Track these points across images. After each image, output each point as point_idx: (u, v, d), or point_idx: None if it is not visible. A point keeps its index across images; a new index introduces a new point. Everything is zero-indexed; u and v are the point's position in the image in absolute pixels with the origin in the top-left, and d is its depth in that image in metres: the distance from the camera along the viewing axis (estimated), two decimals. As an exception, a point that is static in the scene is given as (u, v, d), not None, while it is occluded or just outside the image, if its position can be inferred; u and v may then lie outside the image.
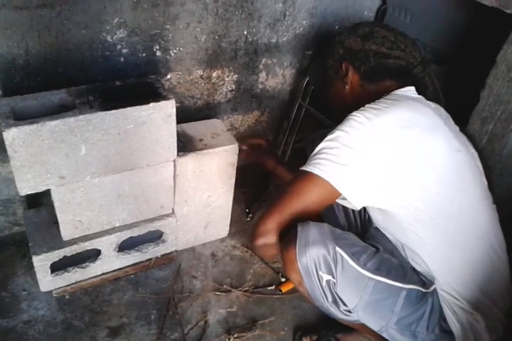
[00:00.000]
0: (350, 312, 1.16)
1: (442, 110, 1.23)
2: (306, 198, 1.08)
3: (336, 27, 1.96)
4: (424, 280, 1.17)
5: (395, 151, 1.05)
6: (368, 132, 1.05)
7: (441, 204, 1.08)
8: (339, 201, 1.11)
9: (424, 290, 1.15)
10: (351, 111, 1.11)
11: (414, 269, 1.19)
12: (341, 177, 1.04)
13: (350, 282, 1.11)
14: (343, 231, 1.16)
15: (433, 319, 1.15)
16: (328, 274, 1.09)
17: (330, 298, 1.14)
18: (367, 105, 1.11)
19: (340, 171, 1.04)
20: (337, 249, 1.09)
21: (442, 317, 1.15)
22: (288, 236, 1.09)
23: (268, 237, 1.10)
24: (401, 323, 1.15)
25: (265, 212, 1.11)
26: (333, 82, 1.32)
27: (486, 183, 1.20)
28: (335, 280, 1.10)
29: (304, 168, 1.08)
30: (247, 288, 1.65)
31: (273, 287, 1.67)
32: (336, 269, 1.09)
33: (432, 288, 1.16)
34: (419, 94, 1.22)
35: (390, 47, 1.22)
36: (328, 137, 1.08)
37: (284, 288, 1.66)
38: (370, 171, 1.04)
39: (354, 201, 1.06)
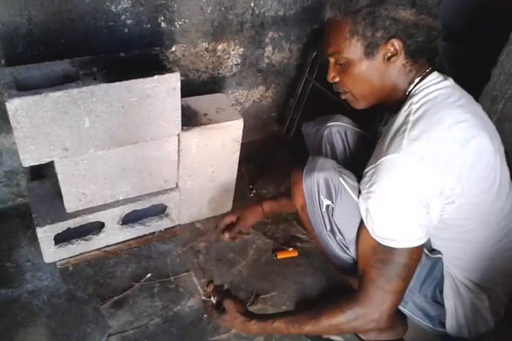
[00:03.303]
0: (347, 248, 1.16)
1: (472, 99, 1.11)
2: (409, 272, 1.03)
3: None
4: (430, 247, 1.16)
5: (451, 177, 0.98)
6: (424, 174, 0.96)
7: (466, 210, 1.05)
8: None
9: (426, 251, 1.14)
10: (381, 98, 1.09)
11: None
12: (423, 236, 1.01)
13: (348, 212, 1.11)
14: (352, 172, 1.16)
15: (428, 284, 1.15)
16: (328, 199, 1.12)
17: (328, 226, 1.16)
18: (406, 134, 0.98)
19: (421, 231, 1.01)
20: (340, 179, 1.11)
21: (439, 289, 1.16)
22: (299, 163, 1.17)
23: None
24: None
25: (387, 307, 1.03)
26: (365, 61, 1.04)
27: (508, 172, 1.14)
28: (333, 206, 1.12)
29: (394, 245, 1.00)
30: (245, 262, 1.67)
31: (270, 252, 1.70)
32: (335, 196, 1.12)
33: (435, 255, 1.15)
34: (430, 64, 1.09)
35: (434, 17, 1.01)
36: (381, 193, 0.99)
37: (280, 255, 1.69)
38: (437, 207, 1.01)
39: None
